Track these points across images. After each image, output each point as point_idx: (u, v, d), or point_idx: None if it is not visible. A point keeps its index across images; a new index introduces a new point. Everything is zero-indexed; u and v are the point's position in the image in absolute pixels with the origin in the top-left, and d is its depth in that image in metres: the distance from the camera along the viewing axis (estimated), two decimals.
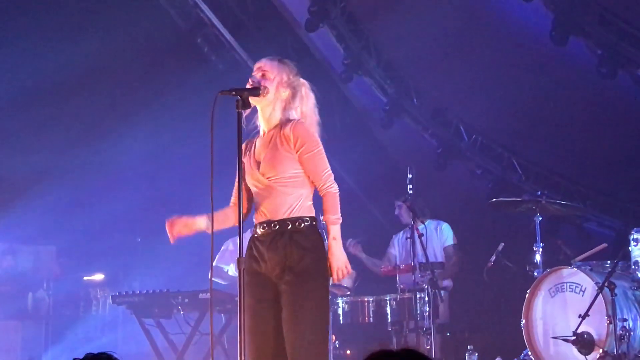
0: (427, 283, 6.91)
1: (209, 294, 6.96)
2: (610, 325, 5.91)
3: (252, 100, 4.32)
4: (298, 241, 4.19)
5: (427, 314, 6.89)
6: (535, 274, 6.51)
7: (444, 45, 9.25)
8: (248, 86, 4.34)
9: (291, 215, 4.22)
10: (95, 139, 9.48)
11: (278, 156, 4.26)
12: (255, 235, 4.30)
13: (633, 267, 6.11)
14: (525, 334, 6.36)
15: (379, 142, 10.69)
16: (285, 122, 4.33)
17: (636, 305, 6.15)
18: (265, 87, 4.32)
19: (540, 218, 6.70)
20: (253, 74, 4.42)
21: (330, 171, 4.32)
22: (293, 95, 4.41)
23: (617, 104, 8.84)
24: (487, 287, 7.32)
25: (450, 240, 7.85)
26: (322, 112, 10.28)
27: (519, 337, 6.41)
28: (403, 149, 10.42)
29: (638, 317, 6.13)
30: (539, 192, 6.92)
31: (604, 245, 6.75)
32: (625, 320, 6.00)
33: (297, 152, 4.26)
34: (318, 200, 4.36)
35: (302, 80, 4.50)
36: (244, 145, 4.40)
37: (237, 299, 3.95)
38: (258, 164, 4.31)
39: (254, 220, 4.35)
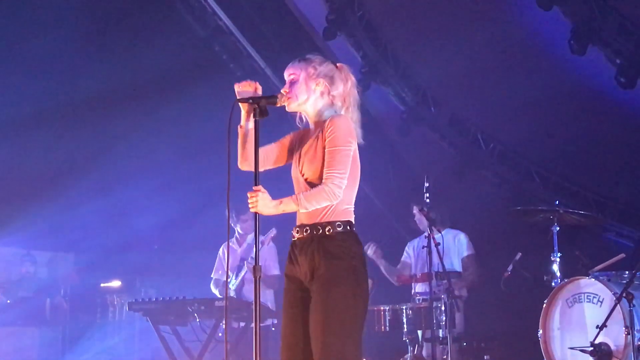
0: (444, 292, 6.88)
1: (225, 302, 6.96)
2: (629, 336, 5.86)
3: (290, 108, 4.28)
4: (327, 247, 4.07)
5: (443, 323, 6.86)
6: (553, 284, 6.47)
7: (461, 53, 9.23)
8: (285, 100, 4.27)
9: (323, 220, 4.11)
10: (113, 148, 9.52)
11: (316, 154, 4.16)
12: (293, 238, 4.23)
13: None
14: (543, 344, 6.32)
15: (396, 151, 10.68)
16: (327, 117, 4.21)
17: None
18: (282, 95, 4.31)
19: (558, 228, 6.66)
20: (285, 86, 4.34)
21: (343, 177, 4.07)
22: (331, 82, 4.29)
23: (636, 113, 8.79)
24: (504, 297, 7.28)
25: (467, 250, 7.82)
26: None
27: (536, 348, 6.36)
28: (421, 158, 10.41)
29: None
30: (557, 202, 6.88)
31: (622, 255, 6.69)
32: None
33: (325, 144, 4.12)
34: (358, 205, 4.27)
35: (334, 65, 4.39)
36: (296, 135, 4.37)
37: (253, 306, 3.94)
38: (300, 160, 4.25)
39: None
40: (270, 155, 4.38)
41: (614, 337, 5.94)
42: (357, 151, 4.25)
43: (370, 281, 7.33)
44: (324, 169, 4.09)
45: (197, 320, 7.26)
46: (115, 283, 9.45)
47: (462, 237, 7.85)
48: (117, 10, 9.10)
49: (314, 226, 4.12)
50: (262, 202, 4.01)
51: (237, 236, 8.03)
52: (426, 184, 7.13)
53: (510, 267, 6.93)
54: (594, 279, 6.25)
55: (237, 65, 10.03)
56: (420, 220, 7.87)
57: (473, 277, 7.71)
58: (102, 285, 9.46)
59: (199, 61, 9.65)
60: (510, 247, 7.41)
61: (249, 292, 7.56)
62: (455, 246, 7.79)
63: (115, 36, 9.08)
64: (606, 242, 9.43)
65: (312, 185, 4.14)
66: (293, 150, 4.39)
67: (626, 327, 5.87)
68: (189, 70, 9.57)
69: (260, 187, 4.04)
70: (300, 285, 4.17)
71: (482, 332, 7.30)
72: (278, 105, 4.29)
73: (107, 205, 9.65)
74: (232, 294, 7.64)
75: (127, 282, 9.48)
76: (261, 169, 4.20)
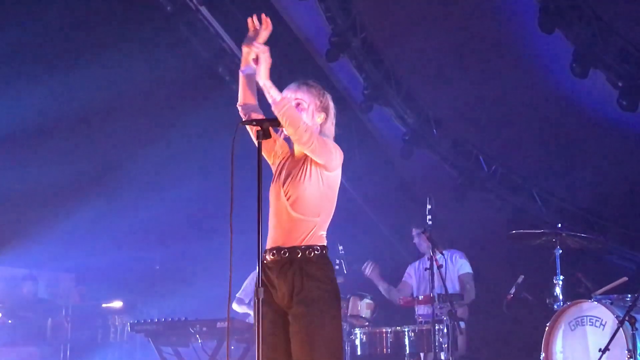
0: (446, 315, 6.86)
1: (226, 323, 6.95)
2: None
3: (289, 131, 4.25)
4: (308, 271, 4.11)
5: (445, 345, 6.84)
6: (555, 307, 6.46)
7: (464, 76, 9.27)
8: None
9: (303, 243, 4.14)
10: (115, 168, 9.54)
11: (305, 177, 4.21)
12: (265, 261, 4.20)
13: None
14: None
15: (398, 172, 10.70)
16: None
17: None
18: None
19: (560, 250, 6.65)
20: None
21: (318, 138, 4.14)
22: (326, 117, 4.41)
23: (637, 136, 8.81)
24: (507, 320, 7.27)
25: (465, 268, 7.80)
26: (342, 142, 10.26)
27: None
28: (422, 179, 10.42)
29: None
30: (559, 225, 6.87)
31: (625, 279, 6.69)
32: None
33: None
34: (331, 231, 4.31)
35: (327, 95, 4.51)
36: (285, 151, 4.42)
37: (255, 328, 3.93)
38: (284, 179, 4.27)
39: (266, 245, 4.23)
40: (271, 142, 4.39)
41: None
42: (338, 181, 4.32)
43: (372, 303, 7.39)
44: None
45: (199, 341, 7.24)
46: (117, 303, 9.41)
47: (460, 255, 7.84)
48: (120, 28, 9.14)
49: (293, 249, 4.14)
50: (266, 61, 4.28)
51: None
52: (428, 206, 7.12)
53: (512, 290, 6.92)
54: (596, 302, 6.24)
55: None
56: (420, 243, 7.87)
57: (470, 294, 7.68)
58: (103, 305, 9.42)
59: (202, 82, 9.69)
60: (512, 269, 7.41)
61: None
62: (453, 264, 7.78)
63: (118, 55, 9.11)
64: (609, 265, 9.42)
65: (295, 205, 4.16)
66: (276, 161, 4.41)
67: (629, 350, 5.86)
68: (192, 91, 9.61)
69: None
70: (277, 310, 4.17)
71: (485, 355, 7.28)
72: (281, 128, 4.28)
73: (109, 225, 9.65)
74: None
75: (129, 302, 9.44)
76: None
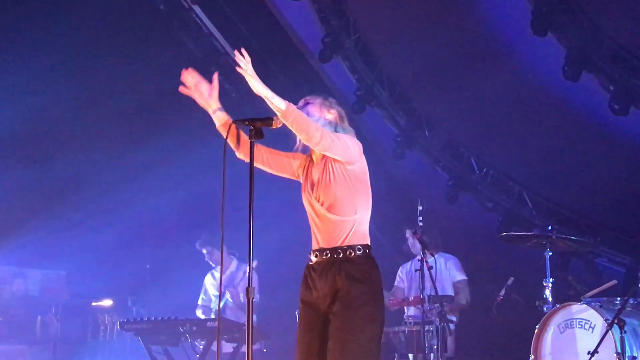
0: (436, 316, 6.87)
1: (217, 322, 6.95)
2: None
3: (301, 136, 4.31)
4: (348, 271, 4.14)
5: (435, 347, 6.85)
6: (545, 309, 6.47)
7: (456, 78, 9.29)
8: None
9: (343, 244, 4.19)
10: (107, 168, 9.52)
11: (331, 179, 4.26)
12: (310, 262, 4.29)
13: None
14: None
15: (390, 174, 10.71)
16: None
17: None
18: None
19: (551, 253, 6.67)
20: (297, 107, 4.39)
21: (333, 136, 4.19)
22: (340, 117, 4.48)
23: (628, 140, 8.84)
24: (496, 322, 7.29)
25: (459, 275, 7.81)
26: None
27: None
28: (414, 181, 10.44)
29: None
30: (550, 227, 6.89)
31: (614, 282, 6.71)
32: (635, 357, 5.95)
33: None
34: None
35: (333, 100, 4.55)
36: (303, 160, 4.46)
37: (245, 327, 3.93)
38: (312, 185, 4.33)
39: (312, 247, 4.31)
40: (276, 158, 4.47)
41: None
42: (366, 171, 4.38)
43: None
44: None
45: (189, 340, 7.24)
46: (107, 302, 9.40)
47: (454, 262, 7.85)
48: (111, 29, 9.13)
49: (334, 250, 4.19)
50: (252, 71, 4.16)
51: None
52: (420, 208, 7.13)
53: (502, 292, 6.93)
54: (586, 305, 6.25)
55: (233, 86, 10.05)
56: (413, 244, 7.87)
57: (465, 301, 7.70)
58: (93, 304, 9.41)
59: None
60: (502, 271, 7.42)
61: (231, 317, 7.63)
62: (447, 270, 7.78)
63: (109, 55, 9.10)
64: (598, 268, 9.44)
65: (330, 209, 4.21)
66: (300, 172, 4.47)
67: (617, 353, 5.87)
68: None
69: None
70: (317, 310, 4.22)
71: (474, 356, 7.29)
72: (273, 127, 4.30)
73: (99, 224, 9.63)
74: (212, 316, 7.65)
75: (119, 301, 9.43)
76: (257, 165, 4.29)
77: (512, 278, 6.95)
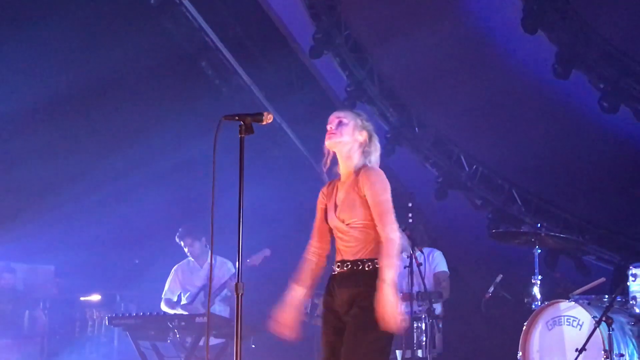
0: (425, 312, 6.88)
1: (205, 318, 6.93)
2: None
3: (330, 145, 4.52)
4: (366, 281, 4.33)
5: (423, 343, 6.86)
6: (533, 306, 6.48)
7: (447, 75, 9.29)
8: (326, 135, 4.54)
9: (363, 257, 4.38)
10: (95, 162, 9.49)
11: (352, 201, 4.44)
12: (333, 272, 4.49)
13: (631, 302, 6.09)
14: None
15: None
16: (361, 167, 4.51)
17: (633, 340, 6.13)
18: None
19: (539, 250, 6.68)
20: (329, 123, 4.57)
21: (395, 220, 4.43)
22: (370, 138, 4.59)
23: (617, 138, 8.87)
24: (485, 319, 7.30)
25: (441, 267, 7.79)
26: (324, 138, 10.24)
27: None
28: (404, 178, 10.43)
29: (635, 352, 6.10)
30: (539, 224, 6.90)
31: (603, 279, 6.73)
32: (622, 355, 5.97)
33: (366, 196, 4.41)
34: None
35: (369, 122, 4.67)
36: (326, 187, 4.64)
37: (234, 323, 3.93)
38: (336, 207, 4.51)
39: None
40: (326, 232, 4.60)
41: None
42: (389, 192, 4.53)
43: None
44: (381, 220, 4.37)
45: (177, 336, 7.22)
46: (95, 297, 9.37)
47: (437, 254, 7.82)
48: (102, 21, 9.10)
49: (354, 262, 4.40)
50: (389, 308, 4.18)
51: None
52: (409, 204, 7.14)
53: (491, 289, 6.94)
54: (574, 303, 6.28)
55: (223, 81, 10.04)
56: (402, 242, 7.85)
57: (445, 293, 7.68)
58: (81, 298, 9.38)
59: (185, 77, 9.66)
60: (491, 268, 7.44)
61: (217, 311, 7.59)
62: (429, 262, 7.77)
63: (100, 49, 9.07)
64: (587, 266, 9.47)
65: (352, 226, 4.40)
66: (326, 202, 4.61)
67: (605, 351, 5.90)
68: (175, 85, 9.58)
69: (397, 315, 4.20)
70: (337, 316, 4.41)
71: (462, 353, 7.30)
72: (263, 123, 4.29)
73: (88, 218, 9.60)
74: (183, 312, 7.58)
75: (107, 296, 9.40)
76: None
77: (501, 275, 6.96)
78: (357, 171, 4.49)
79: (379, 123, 10.04)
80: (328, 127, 4.57)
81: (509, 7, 8.48)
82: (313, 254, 4.62)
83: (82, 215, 9.54)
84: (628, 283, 6.14)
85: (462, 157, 10.02)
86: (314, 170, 10.46)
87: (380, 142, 10.52)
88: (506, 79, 9.03)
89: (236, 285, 4.00)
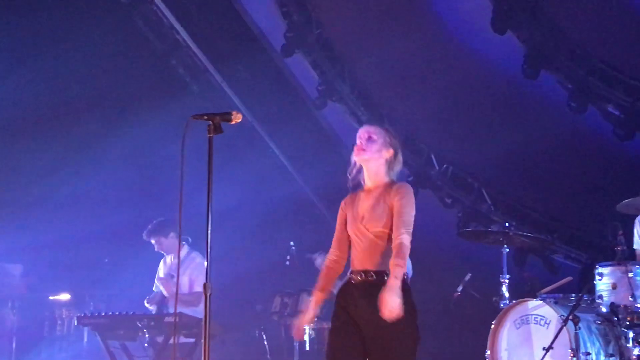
0: None
1: (174, 318, 6.91)
2: (574, 359, 5.94)
3: (359, 161, 4.67)
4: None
5: None
6: (501, 305, 6.53)
7: (417, 75, 9.34)
8: (356, 149, 4.69)
9: (387, 268, 4.46)
10: (65, 160, 9.43)
11: (383, 213, 4.56)
12: (352, 281, 4.58)
13: (597, 301, 6.15)
14: None
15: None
16: (391, 182, 4.68)
17: (600, 339, 6.19)
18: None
19: (508, 249, 6.73)
20: (359, 138, 4.74)
21: (411, 233, 4.55)
22: (395, 155, 4.75)
23: (586, 138, 8.95)
24: (454, 317, 7.35)
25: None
26: (296, 136, 10.32)
27: None
28: None
29: (601, 350, 6.16)
30: (507, 224, 6.96)
31: (569, 278, 6.80)
32: (589, 354, 6.03)
33: (392, 207, 4.54)
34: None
35: (397, 139, 4.85)
36: (349, 198, 4.76)
37: (203, 324, 3.93)
38: (362, 217, 4.61)
39: (351, 267, 4.62)
40: (346, 240, 4.71)
41: (560, 359, 6.02)
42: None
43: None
44: (399, 224, 4.51)
45: (147, 335, 7.19)
46: (65, 296, 9.30)
47: None
48: (71, 20, 9.03)
49: (379, 272, 4.51)
50: (395, 301, 4.31)
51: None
52: None
53: (460, 288, 6.99)
54: (541, 301, 6.33)
55: (194, 80, 10.00)
56: None
57: None
58: (50, 297, 9.31)
59: (155, 75, 9.61)
60: (460, 267, 7.49)
61: (172, 308, 7.51)
62: None
63: (69, 46, 9.01)
64: (555, 264, 9.55)
65: (379, 236, 4.53)
66: (347, 213, 4.72)
67: (572, 349, 5.96)
68: (145, 83, 9.53)
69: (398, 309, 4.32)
70: (355, 325, 4.50)
71: (431, 351, 7.33)
72: (232, 122, 4.29)
73: (57, 216, 9.53)
74: (153, 309, 7.57)
75: (77, 295, 9.34)
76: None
77: (470, 274, 7.01)
78: (387, 185, 4.65)
79: (350, 122, 10.07)
80: (358, 141, 4.72)
81: (479, 7, 8.53)
82: (334, 262, 4.74)
83: (51, 213, 9.47)
84: (595, 282, 6.20)
85: (433, 156, 10.07)
86: (286, 169, 10.48)
87: (351, 141, 10.56)
88: (476, 79, 9.08)
89: (204, 285, 4.00)
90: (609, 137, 8.67)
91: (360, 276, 4.54)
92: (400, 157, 4.79)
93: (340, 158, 10.61)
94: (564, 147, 9.05)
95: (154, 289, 7.86)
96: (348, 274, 4.65)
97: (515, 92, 8.93)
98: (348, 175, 4.79)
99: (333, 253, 4.75)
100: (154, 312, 7.49)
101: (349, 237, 4.68)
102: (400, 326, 4.38)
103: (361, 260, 4.58)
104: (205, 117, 4.23)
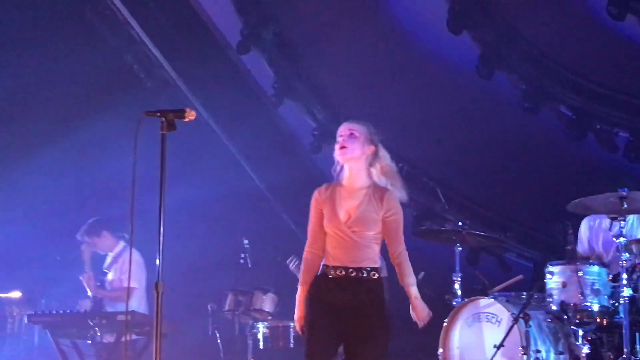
0: None
1: (127, 316, 6.86)
2: (524, 356, 6.01)
3: (343, 160, 4.71)
4: (370, 287, 4.63)
5: None
6: (454, 303, 6.59)
7: (373, 73, 9.36)
8: (338, 147, 4.71)
9: (367, 266, 4.63)
10: (16, 157, 9.30)
11: (368, 217, 4.63)
12: (330, 276, 4.65)
13: (548, 299, 6.22)
14: None
15: (306, 167, 10.72)
16: (376, 186, 4.74)
17: (550, 336, 6.27)
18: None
19: (460, 248, 6.79)
20: (340, 135, 4.74)
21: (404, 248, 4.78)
22: (376, 152, 4.79)
23: (539, 138, 9.05)
24: (407, 315, 7.37)
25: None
26: (252, 134, 10.27)
27: None
28: (331, 175, 10.46)
29: (551, 348, 6.24)
30: (460, 223, 7.01)
31: (520, 277, 6.88)
32: (539, 351, 6.11)
33: (384, 217, 4.65)
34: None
35: (378, 137, 4.90)
36: (323, 189, 4.77)
37: (155, 322, 3.91)
38: (347, 216, 4.64)
39: (325, 261, 4.70)
40: (323, 233, 4.75)
41: (511, 357, 6.09)
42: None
43: (275, 297, 7.40)
44: (397, 240, 4.73)
45: (99, 334, 7.12)
46: (15, 294, 9.16)
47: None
48: (21, 15, 8.91)
49: (359, 269, 4.62)
50: (426, 311, 4.82)
51: None
52: None
53: None
54: (493, 299, 6.39)
55: (148, 76, 9.91)
56: None
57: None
58: (1, 296, 9.16)
59: (109, 71, 9.51)
60: (414, 265, 7.49)
61: (108, 304, 7.53)
62: None
63: (20, 42, 8.89)
64: (507, 263, 9.65)
65: (362, 238, 4.62)
66: (323, 206, 4.74)
67: (522, 347, 6.03)
68: (99, 79, 9.43)
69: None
70: (337, 317, 4.59)
71: None
72: (186, 119, 4.25)
73: (6, 214, 9.40)
74: (88, 306, 7.53)
75: (28, 293, 9.21)
76: None
77: (423, 272, 7.03)
78: (374, 189, 4.70)
79: (306, 120, 10.07)
80: (339, 139, 4.73)
81: (435, 8, 8.57)
82: (315, 255, 4.76)
83: (1, 211, 9.34)
84: (545, 280, 6.27)
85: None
86: (241, 167, 10.44)
87: (307, 139, 10.61)
88: (432, 78, 9.13)
89: (156, 283, 3.97)
90: (561, 138, 8.78)
91: (340, 272, 4.62)
92: (381, 154, 4.82)
93: (296, 156, 10.63)
94: (518, 146, 9.15)
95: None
96: (322, 267, 4.68)
97: (470, 92, 8.99)
98: (333, 173, 4.81)
99: (312, 246, 4.76)
100: (88, 310, 7.47)
101: (324, 230, 4.70)
102: (379, 317, 4.62)
103: (340, 258, 4.65)
104: (158, 114, 4.19)
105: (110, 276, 7.68)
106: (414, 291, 4.74)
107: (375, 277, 4.66)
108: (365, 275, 4.62)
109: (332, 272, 4.65)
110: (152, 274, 4.14)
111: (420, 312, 4.76)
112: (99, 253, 7.97)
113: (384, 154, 4.86)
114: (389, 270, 7.61)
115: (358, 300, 4.61)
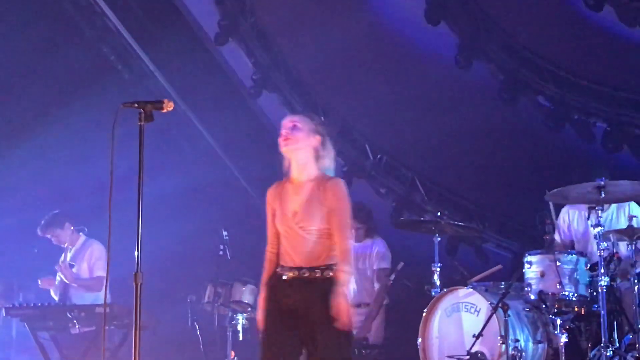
0: None
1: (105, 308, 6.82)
2: (503, 346, 6.05)
3: (287, 152, 4.59)
4: (324, 287, 4.41)
5: None
6: (433, 293, 6.61)
7: (352, 64, 9.36)
8: (281, 140, 4.60)
9: (320, 264, 4.47)
10: None
11: (315, 210, 4.49)
12: (284, 277, 4.52)
13: (526, 288, 6.25)
14: (422, 352, 6.44)
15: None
16: (323, 177, 4.60)
17: (528, 326, 6.31)
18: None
19: (439, 238, 6.80)
20: (283, 127, 4.63)
21: (350, 232, 4.62)
22: (322, 143, 4.65)
23: (517, 128, 9.09)
24: (386, 306, 7.40)
25: (379, 264, 7.71)
26: (231, 125, 10.25)
27: (415, 356, 6.49)
28: None
29: (530, 337, 6.28)
30: (439, 213, 7.03)
31: (499, 266, 6.91)
32: (518, 340, 6.14)
33: (328, 207, 4.49)
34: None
35: (322, 126, 4.77)
36: (273, 188, 4.67)
37: (134, 314, 3.89)
38: (293, 212, 4.52)
39: (280, 261, 4.57)
40: (277, 235, 4.64)
41: (490, 346, 6.12)
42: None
43: (255, 289, 7.37)
44: (340, 230, 4.50)
45: (77, 326, 7.09)
46: None
47: (380, 247, 7.70)
48: None
49: (312, 269, 4.49)
50: (346, 308, 4.38)
51: None
52: None
53: (392, 277, 7.03)
54: (472, 289, 6.42)
55: (126, 67, 9.85)
56: None
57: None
58: None
59: (86, 62, 9.44)
60: (394, 256, 7.53)
61: (74, 296, 7.50)
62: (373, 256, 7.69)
63: None
64: (486, 253, 9.69)
65: (311, 234, 4.48)
66: (275, 205, 4.63)
67: (501, 336, 6.06)
68: (76, 71, 9.36)
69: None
70: (283, 314, 4.48)
71: (363, 339, 7.37)
72: (164, 110, 4.23)
73: None
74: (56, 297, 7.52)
75: (5, 285, 9.16)
76: None
77: (402, 263, 7.07)
78: (319, 179, 4.57)
79: (285, 112, 10.04)
80: (283, 131, 4.62)
81: None
82: (273, 255, 4.65)
83: None
84: (524, 270, 6.31)
85: (367, 146, 10.11)
86: (219, 158, 10.41)
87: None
88: (411, 69, 9.14)
89: (135, 274, 3.96)
90: (539, 128, 8.83)
91: (293, 273, 4.51)
92: (329, 146, 4.71)
93: (274, 147, 10.59)
94: (496, 137, 9.18)
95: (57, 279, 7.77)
96: (278, 268, 4.57)
97: (449, 82, 9.01)
98: (283, 169, 4.69)
99: (271, 247, 4.66)
100: (57, 301, 7.48)
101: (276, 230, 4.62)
102: (334, 320, 4.36)
103: (292, 257, 4.53)
104: (136, 105, 4.16)
105: (76, 269, 7.63)
106: (344, 279, 4.43)
107: (330, 275, 4.47)
108: (318, 274, 4.48)
109: (286, 273, 4.54)
110: (128, 266, 4.11)
111: (339, 309, 4.39)
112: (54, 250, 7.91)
113: (329, 148, 4.74)
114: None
115: (311, 303, 4.45)
